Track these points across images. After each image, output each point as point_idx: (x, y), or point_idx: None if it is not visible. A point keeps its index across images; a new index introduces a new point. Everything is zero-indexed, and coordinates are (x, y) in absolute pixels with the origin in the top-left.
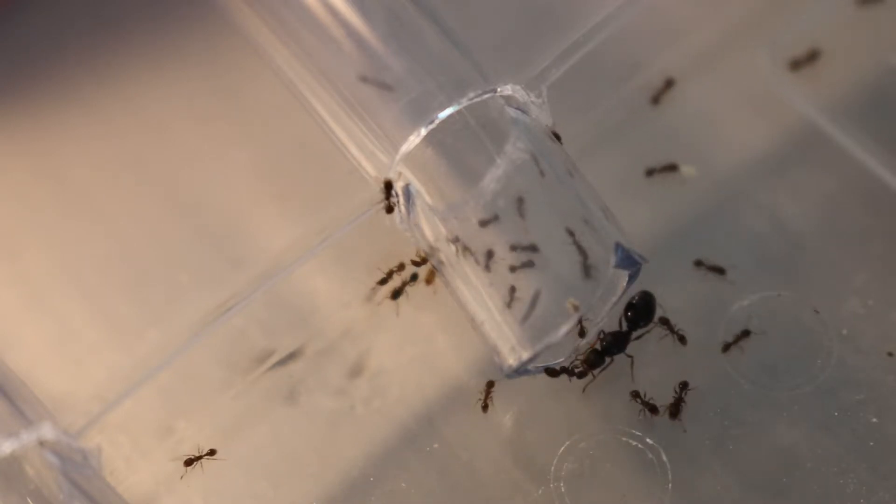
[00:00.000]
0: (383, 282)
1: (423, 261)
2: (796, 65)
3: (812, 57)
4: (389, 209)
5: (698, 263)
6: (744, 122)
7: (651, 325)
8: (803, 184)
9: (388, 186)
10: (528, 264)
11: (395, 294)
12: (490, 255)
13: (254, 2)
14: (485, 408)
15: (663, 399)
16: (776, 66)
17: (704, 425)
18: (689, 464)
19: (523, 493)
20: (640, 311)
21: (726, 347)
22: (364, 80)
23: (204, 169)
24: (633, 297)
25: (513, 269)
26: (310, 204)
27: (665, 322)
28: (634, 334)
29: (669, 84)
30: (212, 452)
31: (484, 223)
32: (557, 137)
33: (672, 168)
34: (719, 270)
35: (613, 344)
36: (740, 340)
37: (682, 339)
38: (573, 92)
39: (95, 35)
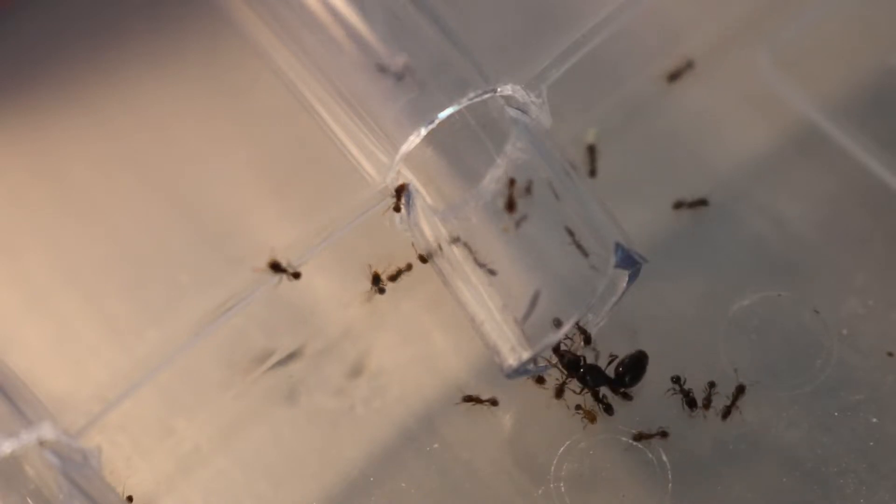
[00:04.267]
0: (394, 278)
1: (424, 260)
2: (674, 77)
3: (688, 66)
4: (397, 208)
5: (678, 205)
6: (744, 122)
7: (631, 387)
8: (803, 184)
9: (400, 190)
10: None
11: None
12: (490, 255)
13: (254, 2)
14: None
15: (662, 400)
16: (776, 66)
17: (704, 425)
18: (689, 464)
19: (523, 493)
20: (630, 369)
21: (726, 413)
22: (381, 69)
23: (204, 169)
24: (627, 356)
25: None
26: (310, 204)
27: (676, 381)
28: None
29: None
30: None
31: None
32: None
33: (702, 203)
34: (702, 202)
35: (589, 374)
36: (737, 399)
37: (691, 404)
38: (573, 92)
39: (95, 35)
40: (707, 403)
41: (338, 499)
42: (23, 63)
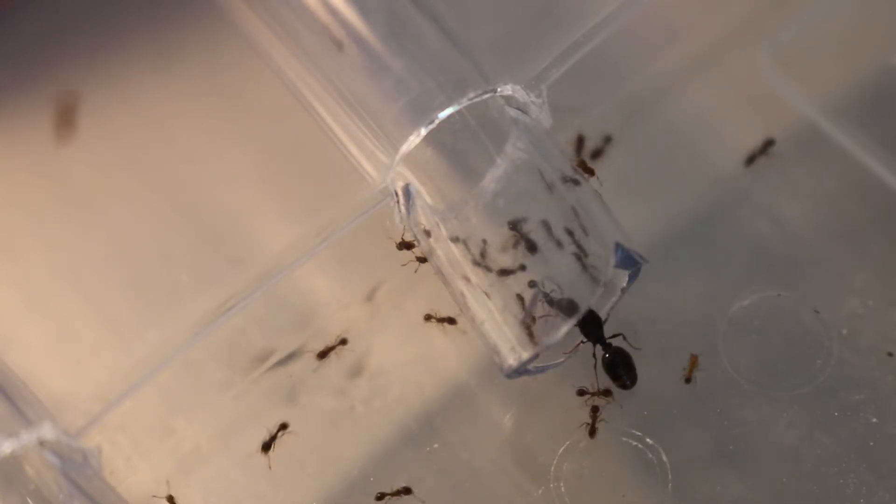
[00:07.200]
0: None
1: (423, 260)
2: (596, 154)
3: (607, 141)
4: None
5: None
6: (744, 122)
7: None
8: (803, 184)
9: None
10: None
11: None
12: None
13: (254, 2)
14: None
15: (662, 400)
16: (776, 66)
17: (704, 425)
18: (689, 464)
19: (523, 493)
20: (624, 369)
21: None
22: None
23: (204, 169)
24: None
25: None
26: (310, 204)
27: None
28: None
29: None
30: None
31: (505, 273)
32: (590, 171)
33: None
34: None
35: (589, 321)
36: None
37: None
38: (573, 92)
39: (95, 35)
40: None
41: (338, 499)
42: (23, 63)
